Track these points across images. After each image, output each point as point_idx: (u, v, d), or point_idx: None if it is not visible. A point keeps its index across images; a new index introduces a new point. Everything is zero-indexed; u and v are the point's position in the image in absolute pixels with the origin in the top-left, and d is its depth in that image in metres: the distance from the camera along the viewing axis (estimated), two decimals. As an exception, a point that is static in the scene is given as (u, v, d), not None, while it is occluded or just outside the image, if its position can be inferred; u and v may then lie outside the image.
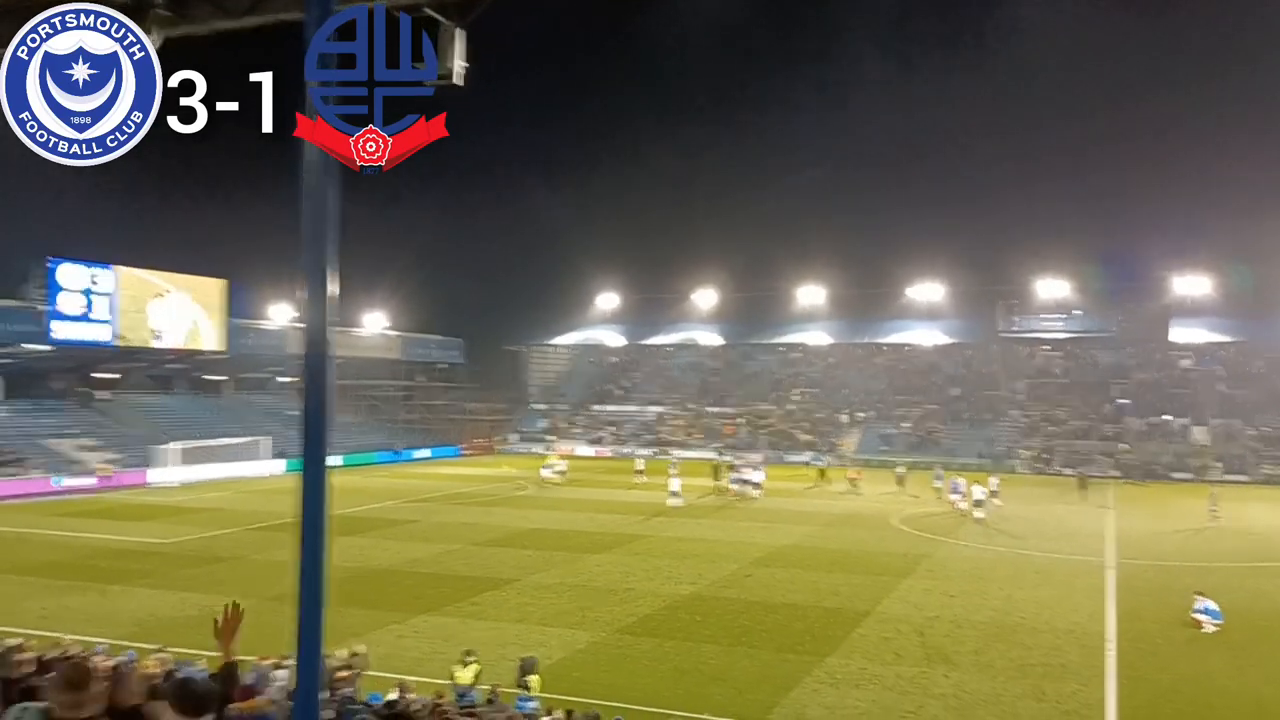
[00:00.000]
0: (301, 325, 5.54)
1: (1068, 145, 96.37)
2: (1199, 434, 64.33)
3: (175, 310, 57.85)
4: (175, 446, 52.12)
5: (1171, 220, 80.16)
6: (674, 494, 42.00)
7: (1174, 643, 20.25)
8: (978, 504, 38.28)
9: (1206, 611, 21.22)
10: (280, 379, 73.03)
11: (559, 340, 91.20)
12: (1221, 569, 28.33)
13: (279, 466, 56.54)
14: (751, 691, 16.92)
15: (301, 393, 5.48)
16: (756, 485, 44.58)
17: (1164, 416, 66.18)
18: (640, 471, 52.14)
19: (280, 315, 69.85)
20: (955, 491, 40.50)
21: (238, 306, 64.11)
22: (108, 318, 53.66)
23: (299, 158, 5.65)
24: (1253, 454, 60.53)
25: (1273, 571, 28.45)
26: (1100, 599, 24.32)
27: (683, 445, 72.19)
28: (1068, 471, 56.03)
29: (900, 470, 48.35)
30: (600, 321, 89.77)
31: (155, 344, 57.04)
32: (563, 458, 59.44)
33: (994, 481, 41.39)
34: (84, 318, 52.54)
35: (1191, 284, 71.35)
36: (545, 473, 52.20)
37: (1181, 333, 70.81)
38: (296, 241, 5.50)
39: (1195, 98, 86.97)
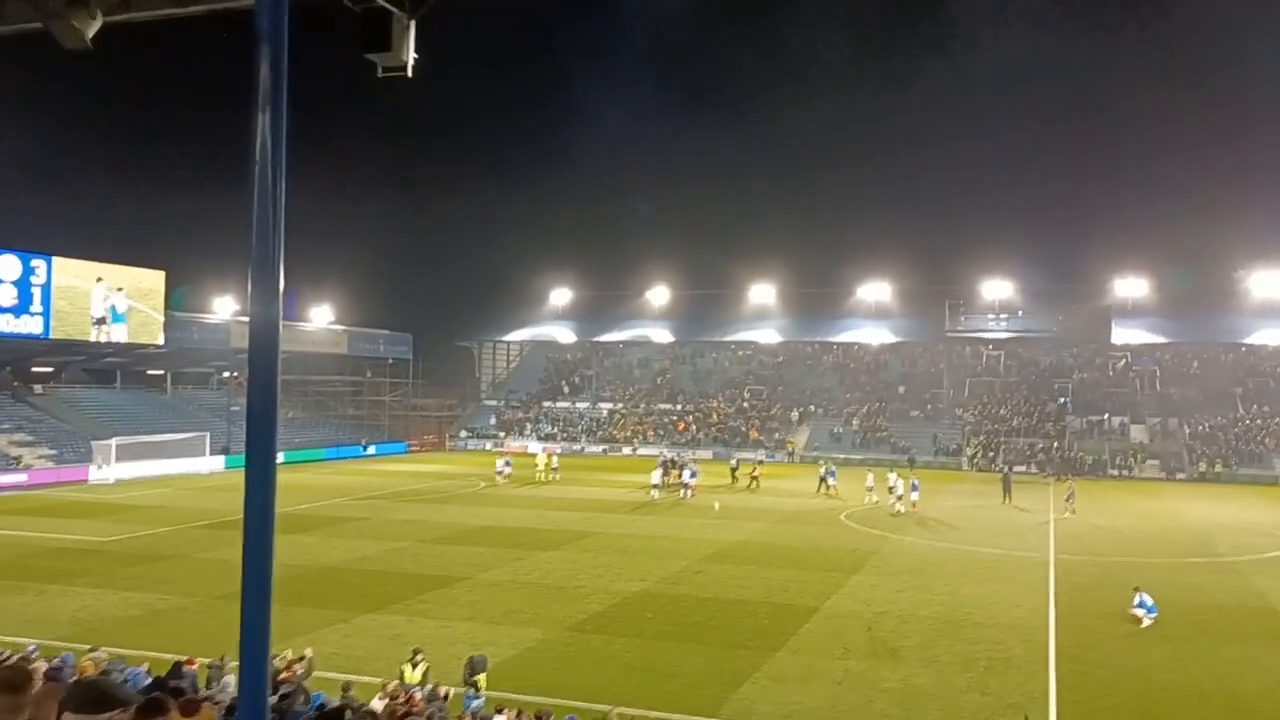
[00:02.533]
0: (246, 319, 5.40)
1: (1013, 151, 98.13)
2: (1137, 432, 65.87)
3: (114, 303, 56.49)
4: (114, 442, 50.92)
5: (1112, 224, 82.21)
6: (655, 486, 43.81)
7: (1114, 637, 20.68)
8: (899, 498, 39.99)
9: (1143, 605, 21.73)
10: (223, 374, 71.72)
11: (510, 336, 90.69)
12: (1159, 564, 29.02)
13: (219, 463, 55.58)
14: (702, 687, 16.95)
15: (245, 388, 5.34)
16: (687, 485, 44.21)
17: (1103, 415, 67.64)
18: (547, 469, 51.97)
19: (223, 309, 68.60)
20: (892, 490, 40.93)
21: (179, 300, 62.89)
22: (43, 310, 52.23)
23: (247, 148, 5.50)
24: (1189, 452, 62.10)
25: (1208, 566, 29.22)
26: (1043, 594, 24.77)
27: (632, 442, 72.34)
28: (1003, 469, 57.04)
29: (831, 470, 48.28)
30: (552, 317, 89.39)
31: (93, 337, 55.66)
32: (548, 454, 57.44)
33: (911, 481, 41.97)
34: (19, 309, 51.06)
35: (1131, 286, 72.97)
36: (539, 458, 52.85)
37: (1121, 333, 72.43)
38: (241, 234, 5.36)
39: (1135, 107, 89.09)
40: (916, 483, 41.07)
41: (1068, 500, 40.88)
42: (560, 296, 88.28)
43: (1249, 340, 71.40)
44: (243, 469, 5.04)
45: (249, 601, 5.40)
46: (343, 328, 78.42)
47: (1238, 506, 44.91)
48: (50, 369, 62.84)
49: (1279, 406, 65.34)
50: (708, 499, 41.78)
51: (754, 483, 47.94)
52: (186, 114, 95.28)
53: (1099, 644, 20.14)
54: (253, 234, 5.48)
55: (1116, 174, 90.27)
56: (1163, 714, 16.16)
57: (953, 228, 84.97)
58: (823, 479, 46.69)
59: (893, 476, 41.90)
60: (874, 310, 79.25)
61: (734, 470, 51.09)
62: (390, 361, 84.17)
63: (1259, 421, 64.03)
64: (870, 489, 42.62)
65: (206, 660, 14.45)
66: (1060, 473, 57.64)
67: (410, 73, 10.69)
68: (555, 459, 54.40)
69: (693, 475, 45.93)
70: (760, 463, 54.14)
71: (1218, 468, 59.15)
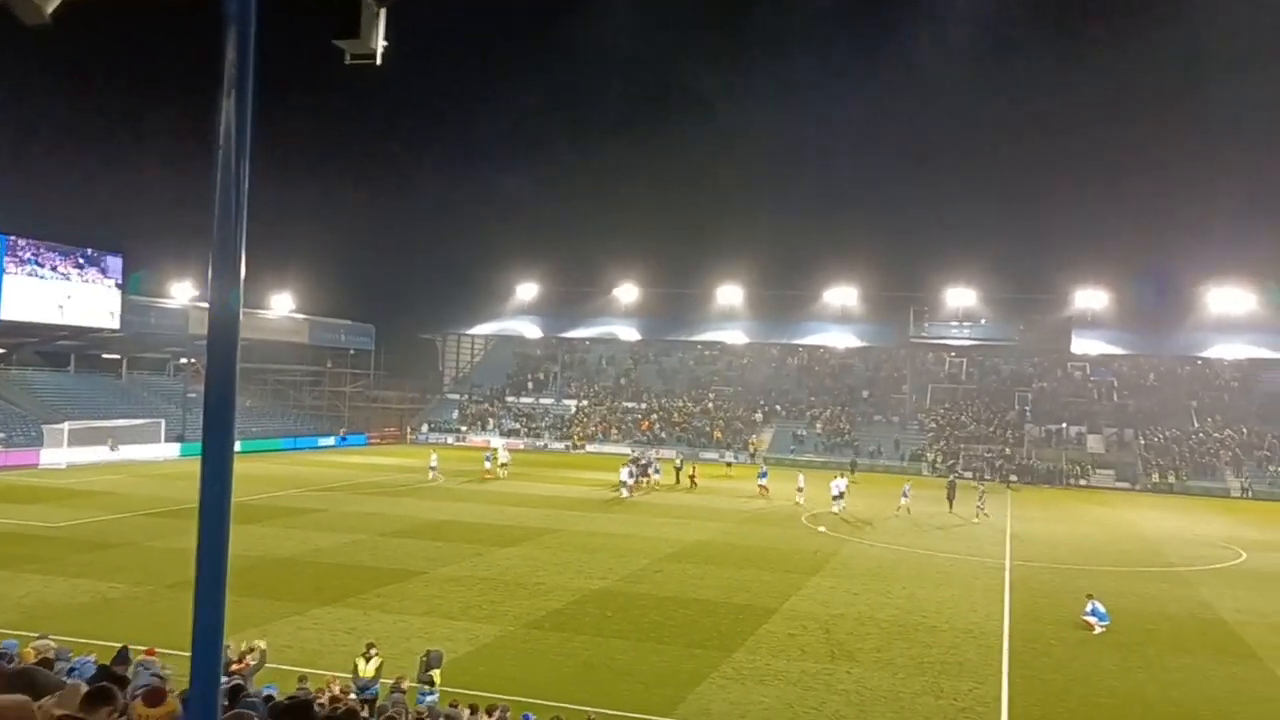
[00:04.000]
0: (205, 305, 5.30)
1: (978, 162, 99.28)
2: (1093, 442, 66.86)
3: (69, 285, 55.47)
4: (66, 427, 50.00)
5: (1074, 237, 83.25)
6: (624, 484, 43.64)
7: (1066, 643, 20.96)
8: (835, 497, 40.79)
9: (1095, 613, 22.05)
10: (181, 360, 70.68)
11: (475, 330, 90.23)
12: (1112, 573, 29.47)
13: (174, 450, 54.80)
14: (658, 687, 16.95)
15: (203, 375, 5.24)
16: (624, 484, 44.01)
17: (1061, 424, 68.60)
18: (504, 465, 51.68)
19: (182, 294, 67.59)
20: (835, 494, 41.30)
21: (136, 285, 61.80)
22: (-4, 290, 51.17)
23: (211, 132, 5.39)
24: (1143, 463, 63.15)
25: (1159, 576, 29.71)
26: (998, 600, 25.05)
27: (593, 438, 72.30)
28: (950, 477, 57.58)
29: (763, 472, 48.68)
30: (518, 312, 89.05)
31: (46, 319, 54.59)
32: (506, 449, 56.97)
33: (843, 482, 42.66)
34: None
35: (1091, 298, 74.08)
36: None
37: (1080, 344, 73.51)
38: (202, 218, 5.26)
39: (1099, 122, 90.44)
40: (842, 488, 41.58)
41: (979, 506, 41.12)
42: (527, 291, 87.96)
43: (1205, 354, 72.81)
44: (199, 457, 4.94)
45: (202, 591, 5.30)
46: (304, 316, 77.62)
47: (1189, 518, 45.73)
48: (2, 350, 61.56)
49: (1232, 420, 66.65)
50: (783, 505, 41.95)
51: (692, 483, 48.59)
52: (148, 95, 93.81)
53: (1051, 650, 20.40)
54: (215, 219, 5.37)
55: (1079, 188, 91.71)
56: (1111, 720, 16.40)
57: (918, 235, 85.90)
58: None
59: (839, 482, 42.32)
60: (839, 314, 79.83)
61: (678, 470, 51.18)
62: (352, 352, 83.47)
63: (1214, 435, 65.27)
64: (800, 489, 43.40)
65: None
66: (1012, 482, 58.52)
67: (379, 61, 10.57)
68: (507, 454, 54.08)
69: (656, 472, 46.77)
70: (730, 464, 54.55)
71: (1171, 479, 60.22)
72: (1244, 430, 64.99)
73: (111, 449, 50.36)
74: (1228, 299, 71.07)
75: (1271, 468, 60.56)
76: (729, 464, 62.22)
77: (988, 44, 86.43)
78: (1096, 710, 16.81)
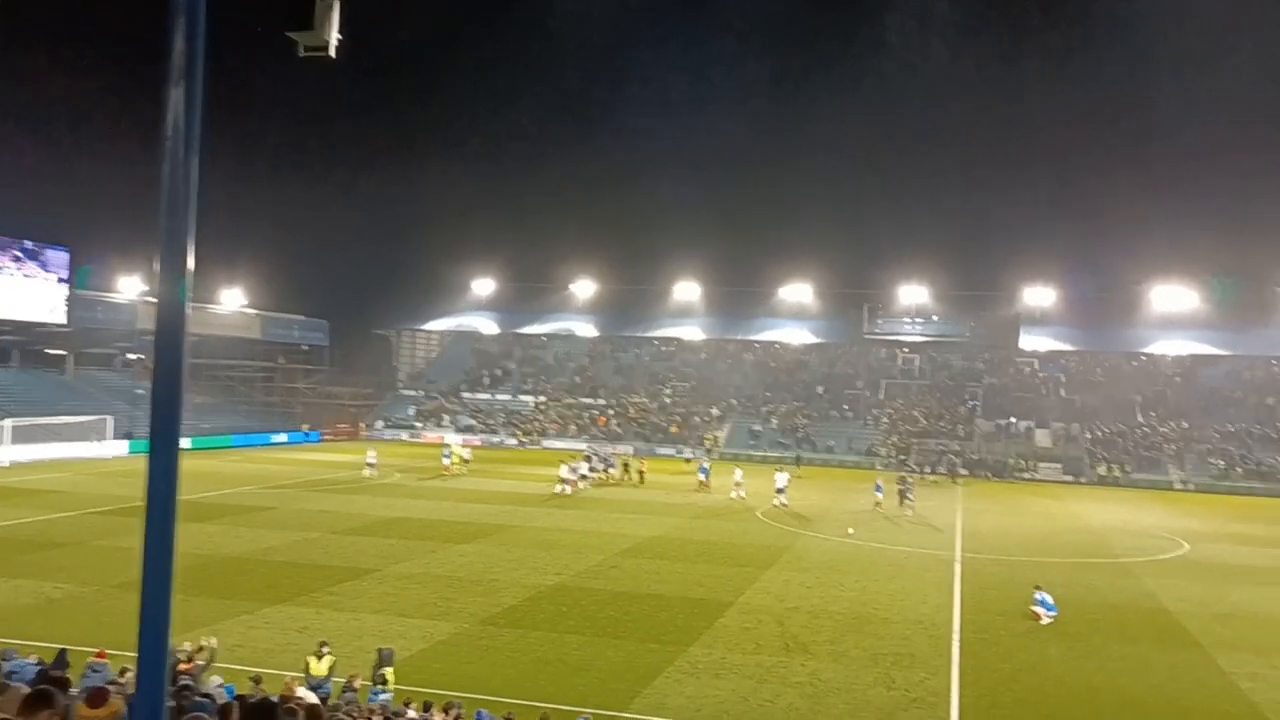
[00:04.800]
0: (153, 300, 5.21)
1: (930, 162, 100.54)
2: (1042, 436, 68.06)
3: (12, 278, 54.12)
4: (9, 424, 48.81)
5: (1022, 235, 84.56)
6: (563, 480, 42.95)
7: (1014, 634, 21.35)
8: (780, 490, 41.18)
9: (1043, 604, 22.49)
10: (128, 355, 69.32)
11: (431, 325, 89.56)
12: (1059, 564, 30.05)
13: (122, 448, 53.76)
14: (614, 682, 16.99)
15: (151, 371, 5.16)
16: (564, 480, 43.22)
17: (1011, 419, 69.73)
18: (466, 460, 51.27)
19: (130, 288, 66.25)
20: (779, 489, 41.69)
21: (84, 279, 60.51)
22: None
23: (159, 123, 5.29)
24: (1090, 456, 64.40)
25: (1104, 567, 30.35)
26: (948, 591, 25.44)
27: (546, 433, 72.18)
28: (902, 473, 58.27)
29: (704, 467, 48.87)
30: (474, 308, 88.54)
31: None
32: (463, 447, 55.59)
33: (784, 477, 42.84)
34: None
35: (1039, 295, 75.38)
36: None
37: (1029, 340, 74.82)
38: (150, 211, 5.17)
39: (1047, 122, 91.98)
40: (784, 482, 41.88)
41: (908, 500, 40.92)
42: (484, 287, 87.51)
43: (1149, 350, 74.49)
44: (146, 454, 4.87)
45: (149, 590, 5.22)
46: (256, 311, 76.53)
47: (1134, 510, 46.74)
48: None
49: (1175, 414, 68.22)
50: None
51: (640, 478, 48.89)
52: (95, 84, 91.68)
53: (1000, 640, 20.77)
54: (162, 212, 5.28)
55: (1027, 187, 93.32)
56: (1058, 709, 16.72)
57: (872, 233, 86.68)
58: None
59: (781, 476, 42.64)
60: (795, 311, 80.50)
61: (626, 466, 51.15)
62: (305, 348, 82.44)
63: (1158, 429, 66.76)
64: (739, 484, 43.38)
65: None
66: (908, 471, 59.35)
67: (334, 53, 10.43)
68: (468, 451, 53.74)
69: (611, 467, 47.11)
70: (689, 460, 54.81)
71: (1116, 472, 61.48)
72: (1186, 424, 66.57)
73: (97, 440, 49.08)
74: (1170, 296, 72.76)
75: (1212, 461, 62.09)
76: (688, 460, 62.46)
77: (938, 46, 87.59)
78: (1044, 698, 17.15)
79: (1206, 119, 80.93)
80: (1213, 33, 77.35)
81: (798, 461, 58.78)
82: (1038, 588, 23.20)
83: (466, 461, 51.34)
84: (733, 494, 42.86)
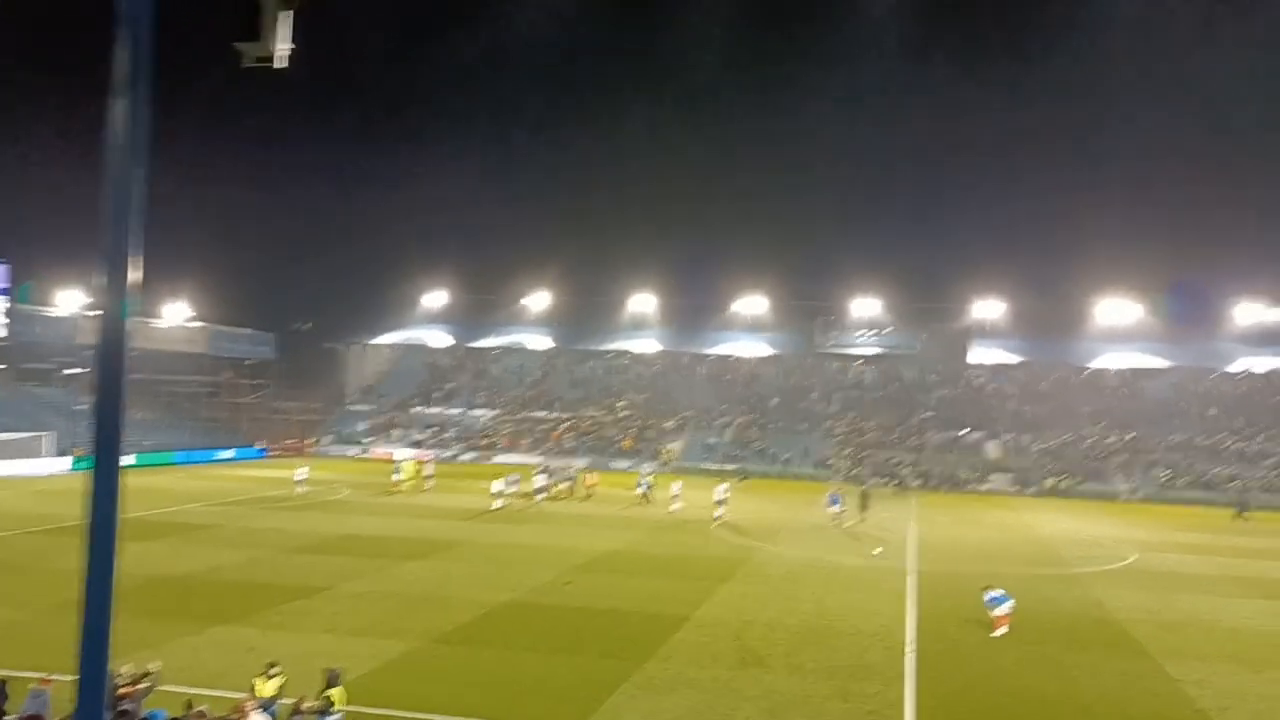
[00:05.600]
0: (95, 314, 5.04)
1: (881, 177, 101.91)
2: (992, 448, 69.04)
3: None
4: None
5: (972, 249, 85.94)
6: (498, 494, 42.27)
7: (969, 644, 21.52)
8: (718, 503, 40.95)
9: (994, 601, 22.59)
10: (67, 370, 67.66)
11: (381, 339, 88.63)
12: (1011, 574, 30.30)
13: (63, 465, 52.42)
14: (569, 699, 16.81)
15: (92, 386, 4.99)
16: (499, 494, 42.51)
17: (962, 431, 70.68)
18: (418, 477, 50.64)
19: (70, 302, 64.74)
20: (718, 500, 41.55)
21: (24, 295, 59.04)
22: None
23: (102, 135, 5.13)
24: (1038, 468, 65.43)
25: (1055, 577, 30.77)
26: (902, 602, 25.60)
27: (495, 447, 71.70)
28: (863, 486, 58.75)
29: (647, 480, 48.79)
30: (426, 321, 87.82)
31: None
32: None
33: (723, 489, 42.85)
34: None
35: (988, 308, 76.61)
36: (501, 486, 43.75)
37: (979, 353, 75.99)
38: (93, 224, 5.00)
39: (997, 139, 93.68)
40: (724, 494, 41.81)
41: (841, 511, 40.91)
42: (435, 300, 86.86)
43: (1094, 363, 76.01)
44: (87, 471, 4.68)
45: (90, 612, 5.04)
46: (201, 325, 75.17)
47: (1082, 521, 47.53)
48: None
49: (1120, 425, 69.60)
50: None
51: (589, 490, 48.76)
52: (35, 94, 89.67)
53: (954, 650, 20.92)
54: (105, 225, 5.11)
55: (978, 203, 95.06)
56: (1012, 718, 16.86)
57: (825, 247, 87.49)
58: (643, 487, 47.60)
59: (721, 488, 42.51)
60: (749, 324, 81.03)
61: (574, 481, 50.52)
62: (251, 362, 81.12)
63: (1104, 440, 68.04)
64: (676, 496, 43.15)
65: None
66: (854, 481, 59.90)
67: (284, 64, 10.22)
68: (430, 466, 53.09)
69: (570, 480, 47.65)
70: (652, 474, 54.57)
71: (1064, 483, 62.51)
72: (1131, 436, 67.94)
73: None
74: (1115, 310, 74.36)
75: (1158, 472, 63.39)
76: (649, 474, 61.96)
77: (892, 62, 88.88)
78: (998, 708, 17.28)
79: (1151, 137, 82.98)
80: (1156, 52, 79.45)
81: (743, 475, 58.88)
82: (986, 588, 23.30)
83: (429, 478, 50.55)
84: (671, 507, 42.78)
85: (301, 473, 47.87)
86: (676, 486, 44.11)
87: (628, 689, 17.40)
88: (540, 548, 32.45)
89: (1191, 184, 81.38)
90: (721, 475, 52.71)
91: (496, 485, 42.73)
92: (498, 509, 41.45)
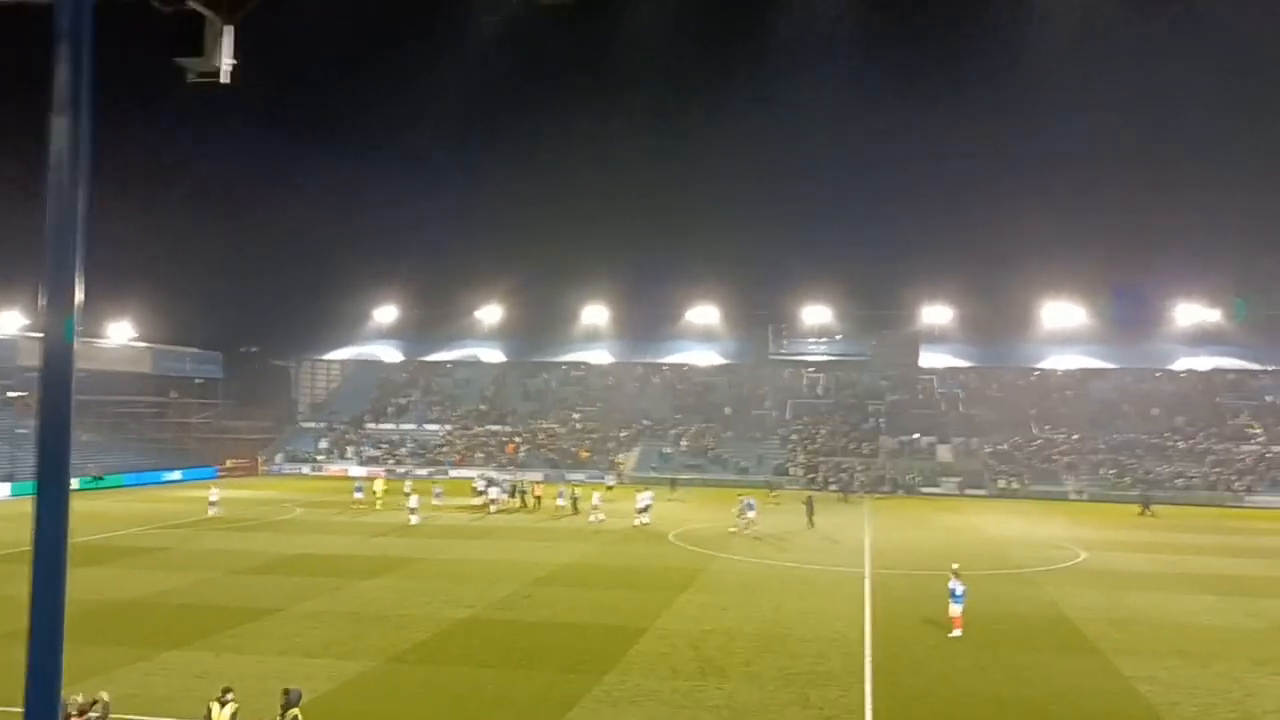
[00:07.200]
0: (38, 335, 4.94)
1: (830, 184, 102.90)
2: (943, 451, 69.95)
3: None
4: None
5: (920, 256, 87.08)
6: (492, 501, 43.80)
7: (925, 647, 21.75)
8: (642, 510, 41.92)
9: (957, 596, 23.05)
10: (9, 394, 65.94)
11: (331, 355, 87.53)
12: (965, 576, 30.66)
13: (4, 490, 51.07)
14: (530, 715, 16.70)
15: (35, 409, 4.88)
16: (413, 510, 42.23)
17: (914, 435, 71.51)
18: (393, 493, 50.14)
19: (9, 323, 63.17)
20: (641, 507, 42.27)
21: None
22: None
23: (43, 150, 5.03)
24: (988, 470, 66.41)
25: (1008, 578, 31.22)
26: (859, 607, 25.81)
27: (447, 461, 71.19)
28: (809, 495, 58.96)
29: (567, 489, 49.41)
30: (376, 336, 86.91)
31: None
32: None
33: (648, 496, 43.78)
34: None
35: (937, 314, 77.68)
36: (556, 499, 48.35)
37: (928, 358, 77.00)
38: (33, 241, 4.90)
39: (941, 146, 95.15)
40: (648, 501, 42.63)
41: (749, 516, 40.76)
42: (386, 314, 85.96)
43: (1041, 366, 77.38)
44: (31, 497, 4.59)
45: (37, 640, 4.92)
46: (146, 344, 73.73)
47: (1032, 521, 48.29)
48: None
49: (1067, 426, 70.92)
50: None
51: (537, 502, 48.91)
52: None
53: (910, 653, 21.13)
54: (47, 245, 5.01)
55: (925, 210, 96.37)
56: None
57: (776, 255, 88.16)
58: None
59: (645, 495, 43.34)
60: (702, 333, 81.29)
61: (523, 494, 50.24)
62: (198, 381, 79.74)
63: (1052, 441, 69.28)
64: (596, 506, 44.51)
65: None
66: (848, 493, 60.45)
67: (227, 79, 10.10)
68: (381, 484, 52.50)
69: (524, 493, 48.31)
70: (610, 488, 54.63)
71: (1015, 484, 63.49)
72: (1078, 436, 69.25)
73: None
74: (1061, 313, 75.77)
75: (1103, 471, 64.65)
76: (610, 486, 61.62)
77: (835, 68, 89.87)
78: (955, 710, 17.47)
79: (1090, 145, 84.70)
80: (1100, 58, 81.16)
81: (673, 484, 59.42)
82: (955, 573, 23.60)
83: (385, 493, 49.97)
84: (590, 518, 43.32)
85: (214, 494, 45.98)
86: (597, 497, 45.64)
87: (588, 703, 17.33)
88: (497, 562, 32.24)
89: (1131, 189, 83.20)
90: (644, 484, 53.53)
91: (414, 501, 42.57)
92: (415, 524, 41.16)
